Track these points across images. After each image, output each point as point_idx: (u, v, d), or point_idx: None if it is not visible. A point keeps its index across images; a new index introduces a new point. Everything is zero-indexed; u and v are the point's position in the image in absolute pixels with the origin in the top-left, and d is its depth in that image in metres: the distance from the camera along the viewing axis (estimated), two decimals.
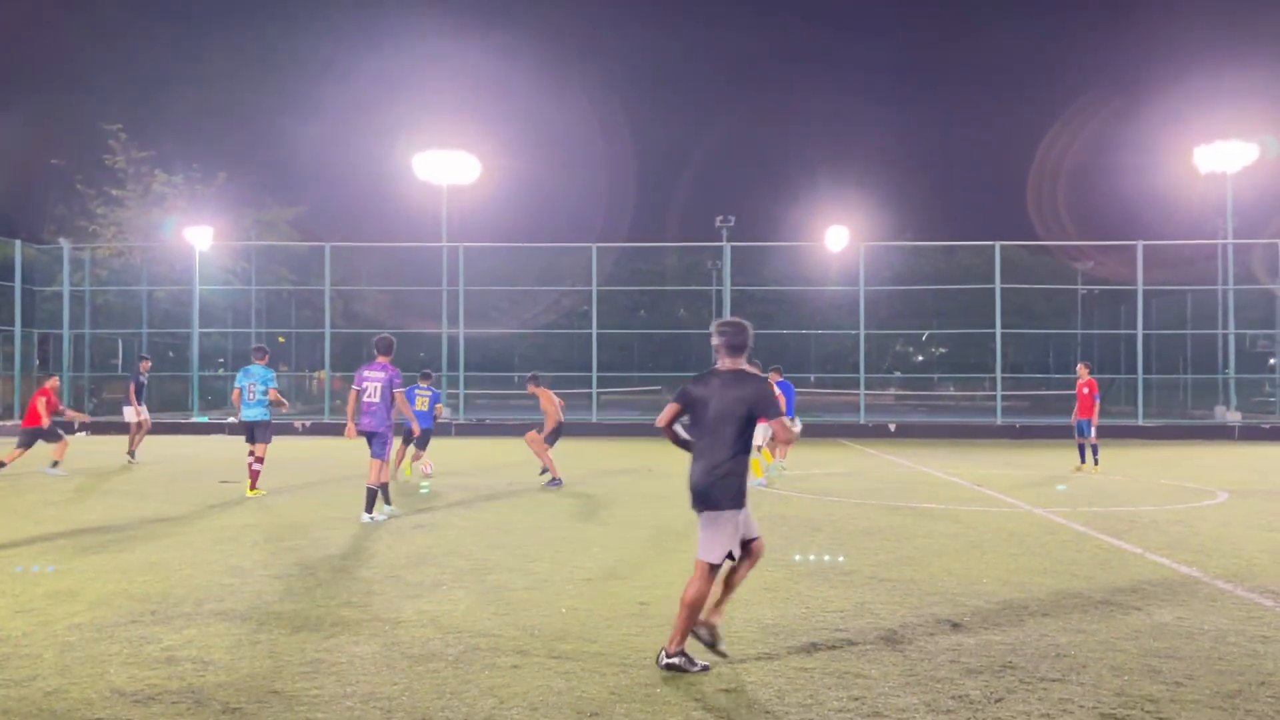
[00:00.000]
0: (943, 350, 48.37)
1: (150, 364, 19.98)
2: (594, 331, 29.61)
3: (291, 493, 12.88)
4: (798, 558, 8.06)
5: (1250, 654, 5.33)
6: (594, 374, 29.39)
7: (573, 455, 17.44)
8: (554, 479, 13.97)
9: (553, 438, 14.31)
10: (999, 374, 29.40)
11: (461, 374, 30.35)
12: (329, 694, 4.56)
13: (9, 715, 4.25)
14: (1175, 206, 40.85)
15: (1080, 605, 6.42)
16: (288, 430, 27.39)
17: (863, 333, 29.70)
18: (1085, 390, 16.44)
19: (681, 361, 37.39)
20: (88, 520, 10.19)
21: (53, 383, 16.69)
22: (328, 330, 30.69)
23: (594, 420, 28.34)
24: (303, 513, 10.86)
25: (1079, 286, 39.95)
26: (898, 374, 48.42)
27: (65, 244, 31.43)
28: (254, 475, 12.48)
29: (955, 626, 5.85)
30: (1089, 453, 16.45)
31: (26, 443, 15.69)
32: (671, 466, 16.49)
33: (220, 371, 36.33)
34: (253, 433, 12.77)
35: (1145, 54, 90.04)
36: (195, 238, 30.63)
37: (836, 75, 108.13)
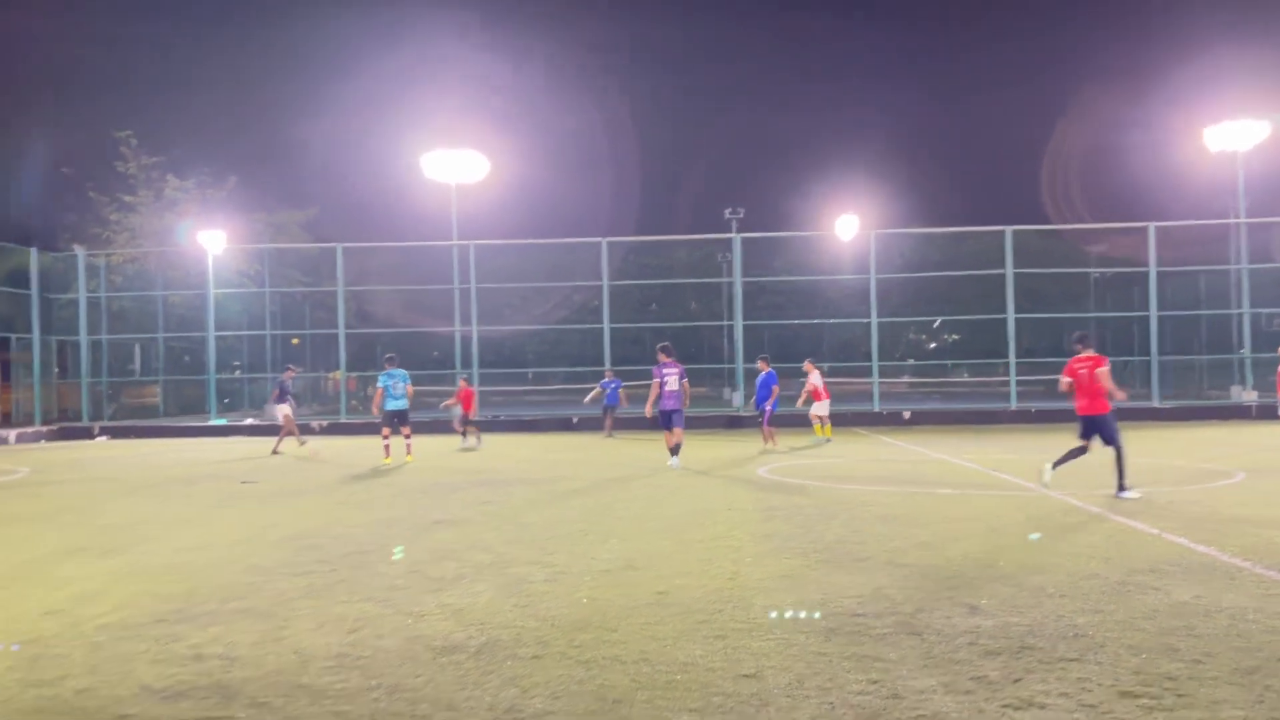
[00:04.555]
0: (955, 337, 48.26)
1: (295, 372, 21.75)
2: (605, 326, 29.66)
3: (310, 492, 12.98)
4: (814, 544, 8.10)
5: (1269, 630, 5.34)
6: (607, 368, 29.42)
7: (587, 448, 17.51)
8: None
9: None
10: (1012, 359, 29.34)
11: (475, 371, 30.44)
12: (355, 687, 4.63)
13: (42, 714, 4.33)
14: (1186, 187, 40.67)
15: (1098, 586, 6.44)
16: (305, 430, 27.54)
17: (875, 321, 29.66)
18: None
19: (694, 354, 37.44)
20: (110, 523, 10.29)
21: None
22: (341, 331, 30.83)
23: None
24: (322, 511, 10.94)
25: (1091, 270, 39.80)
26: (911, 361, 48.34)
27: (80, 251, 31.68)
28: (409, 447, 17.15)
29: (973, 609, 5.88)
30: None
31: None
32: (686, 458, 16.53)
33: (236, 374, 36.53)
34: (401, 418, 17.02)
35: (1154, 34, 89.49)
36: (208, 242, 30.82)
37: (843, 63, 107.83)
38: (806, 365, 21.53)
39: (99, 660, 5.12)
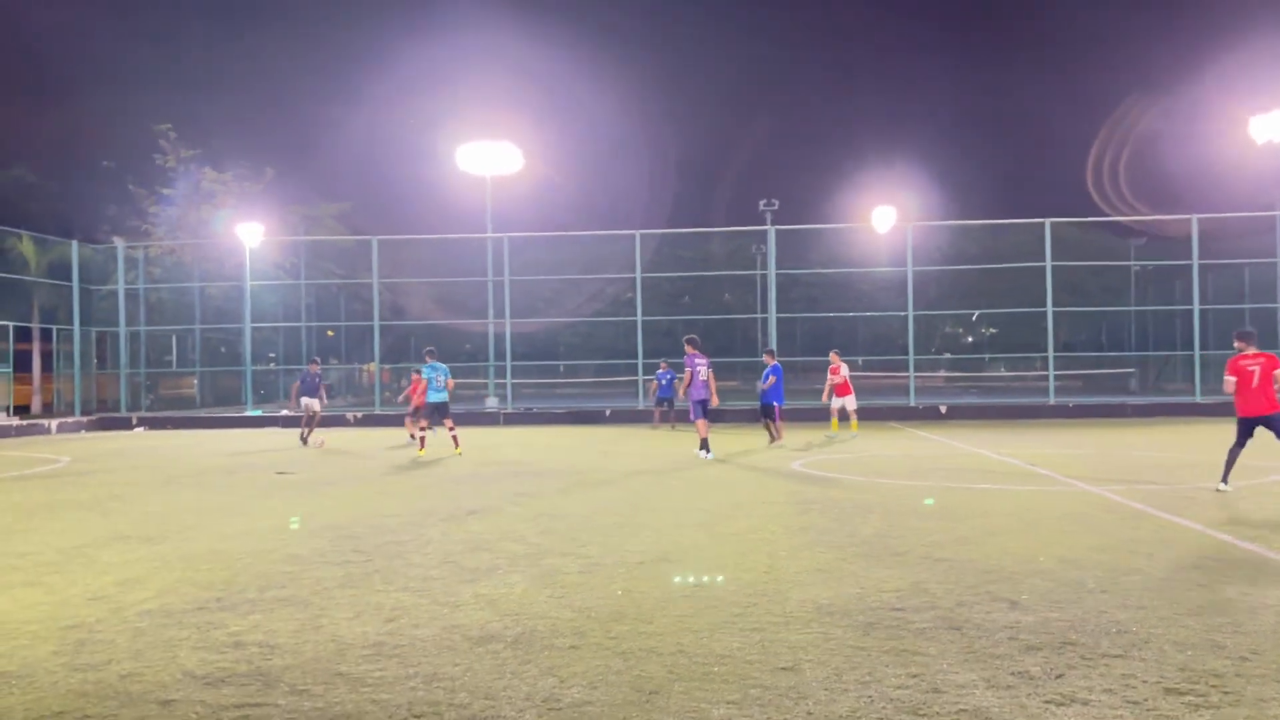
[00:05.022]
0: (993, 330, 47.81)
1: (319, 365, 22.05)
2: (639, 319, 29.65)
3: (346, 483, 13.07)
4: (851, 538, 8.04)
5: None
6: (639, 360, 29.44)
7: (621, 440, 17.52)
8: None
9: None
10: (1051, 353, 29.00)
11: (509, 363, 30.55)
12: (392, 675, 4.64)
13: (87, 698, 4.38)
14: (1231, 178, 39.94)
15: (1141, 582, 6.34)
16: (340, 422, 27.80)
17: (911, 314, 29.44)
18: None
19: (727, 346, 37.29)
20: (151, 511, 10.42)
21: None
22: (376, 323, 31.02)
23: (640, 406, 28.43)
24: (357, 502, 11.02)
25: (1132, 263, 39.24)
26: (947, 355, 47.96)
27: (119, 243, 32.08)
28: (455, 439, 17.32)
29: (1013, 604, 5.81)
30: None
31: None
32: (718, 448, 16.49)
33: (272, 365, 36.88)
34: (441, 411, 17.12)
35: (1199, 22, 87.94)
36: (245, 234, 31.09)
37: (880, 55, 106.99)
38: (832, 356, 21.32)
39: (142, 645, 5.18)
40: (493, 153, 32.91)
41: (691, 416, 16.34)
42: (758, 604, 5.89)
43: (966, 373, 44.09)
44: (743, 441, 19.44)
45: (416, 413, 20.70)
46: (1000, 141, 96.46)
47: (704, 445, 15.79)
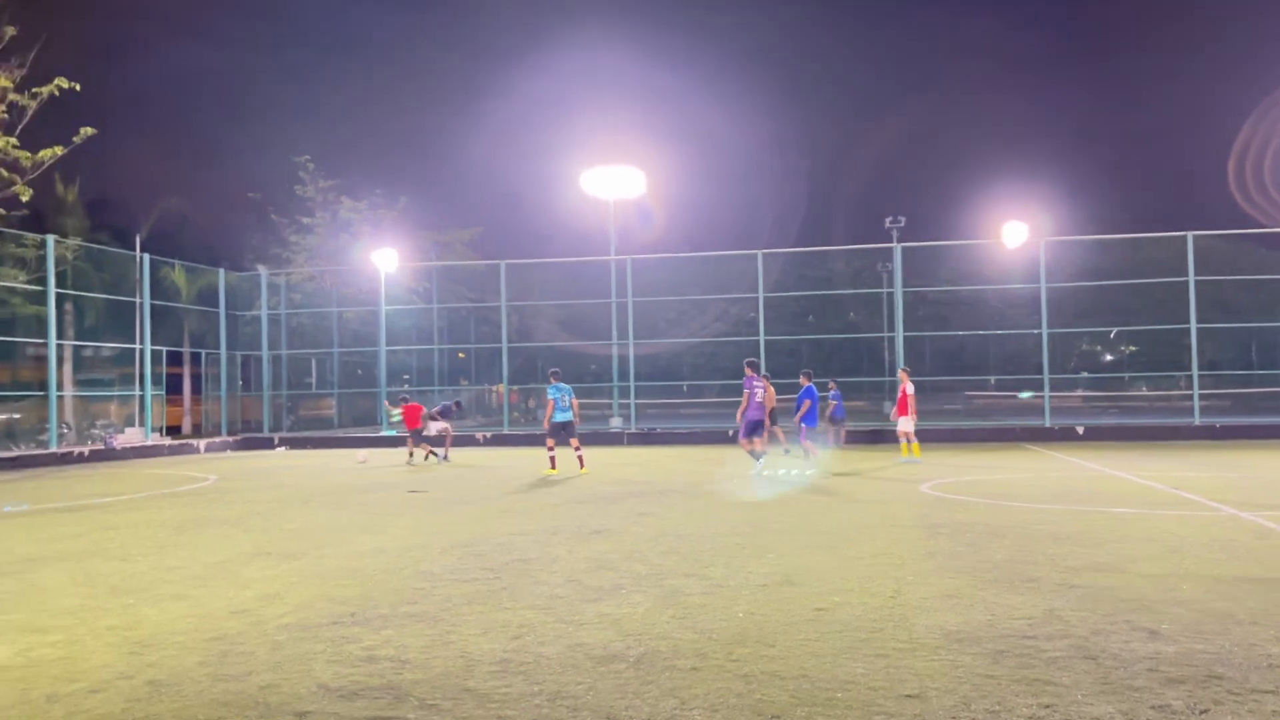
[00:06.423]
0: (1133, 348, 45.82)
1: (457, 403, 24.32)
2: (761, 338, 29.50)
3: (475, 501, 13.37)
4: (975, 562, 7.82)
5: None
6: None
7: (743, 460, 17.42)
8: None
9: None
10: (1195, 372, 27.64)
11: (632, 384, 30.78)
12: (518, 692, 4.74)
13: (229, 707, 4.60)
14: None
15: None
16: (470, 442, 28.45)
17: (1045, 332, 28.50)
18: None
19: (853, 366, 36.77)
20: (290, 528, 10.88)
21: None
22: (504, 345, 31.69)
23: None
24: (485, 521, 11.26)
25: None
26: (1084, 374, 46.17)
27: (263, 270, 33.69)
28: (580, 459, 17.55)
29: (1153, 634, 5.56)
30: None
31: None
32: (848, 464, 16.25)
33: (405, 387, 38.00)
34: (568, 431, 17.51)
35: None
36: (381, 261, 32.23)
37: (1009, 67, 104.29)
38: (901, 374, 20.56)
39: (280, 658, 5.41)
40: (616, 176, 33.36)
41: (741, 434, 16.68)
42: (883, 629, 5.79)
43: (1105, 392, 42.37)
44: (869, 462, 19.12)
45: (416, 435, 21.99)
46: (1138, 152, 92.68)
47: (755, 457, 16.55)
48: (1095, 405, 41.29)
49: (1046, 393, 28.82)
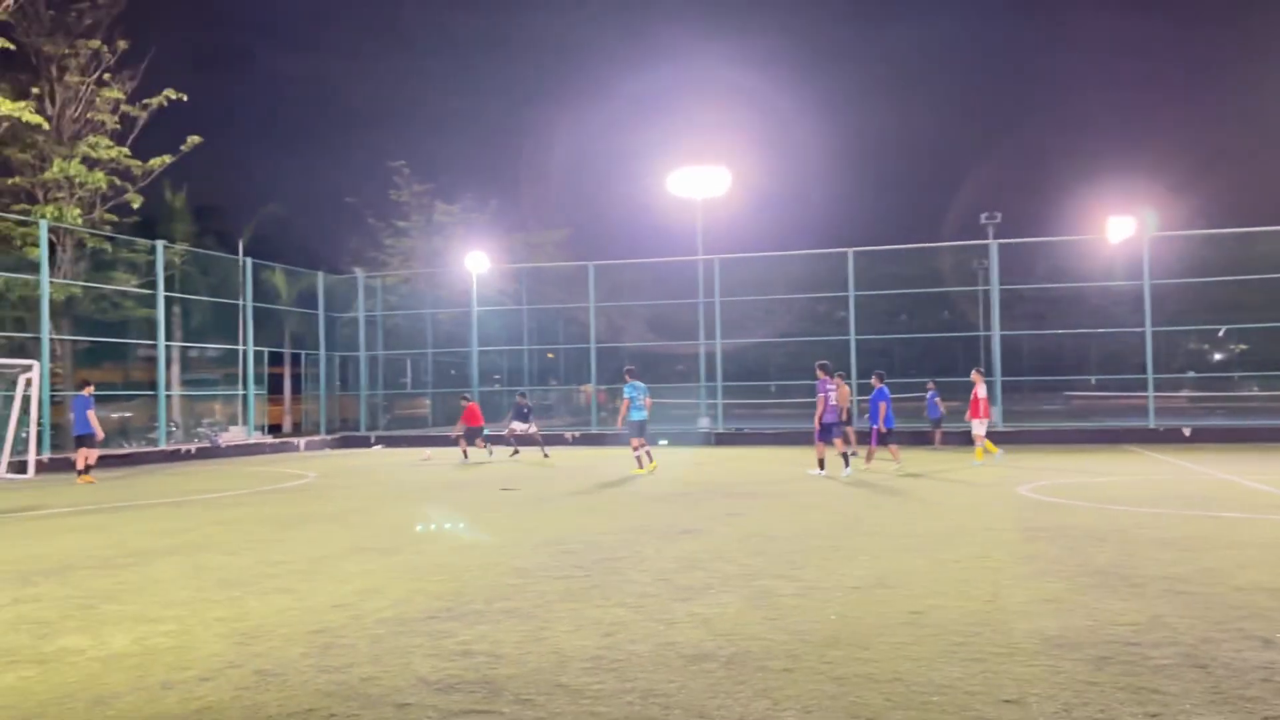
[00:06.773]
0: (1244, 347, 43.95)
1: (526, 398, 25.57)
2: (851, 338, 29.18)
3: (564, 499, 13.49)
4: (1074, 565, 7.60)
5: None
6: (853, 381, 28.87)
7: (832, 462, 17.21)
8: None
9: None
10: None
11: (719, 384, 30.70)
12: (610, 689, 4.76)
13: (332, 697, 4.72)
14: None
15: None
16: (559, 441, 28.70)
17: (1149, 330, 27.60)
18: None
19: (949, 366, 35.96)
20: (388, 523, 11.12)
21: None
22: (593, 346, 31.91)
23: (854, 426, 27.86)
24: (574, 518, 11.35)
25: None
26: (1191, 374, 44.50)
27: (360, 273, 34.51)
28: (649, 455, 17.73)
29: (1267, 643, 5.34)
30: None
31: None
32: (933, 465, 15.96)
33: (496, 387, 38.52)
34: (641, 429, 17.63)
35: None
36: (473, 263, 32.74)
37: (1110, 60, 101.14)
38: (974, 375, 19.86)
39: (380, 651, 5.53)
40: (702, 176, 33.29)
41: (817, 438, 16.55)
42: (981, 634, 5.67)
43: (1213, 392, 40.74)
44: (963, 464, 18.74)
45: (470, 432, 23.02)
46: (1248, 143, 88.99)
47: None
48: (1202, 406, 39.74)
49: (1151, 393, 27.89)
